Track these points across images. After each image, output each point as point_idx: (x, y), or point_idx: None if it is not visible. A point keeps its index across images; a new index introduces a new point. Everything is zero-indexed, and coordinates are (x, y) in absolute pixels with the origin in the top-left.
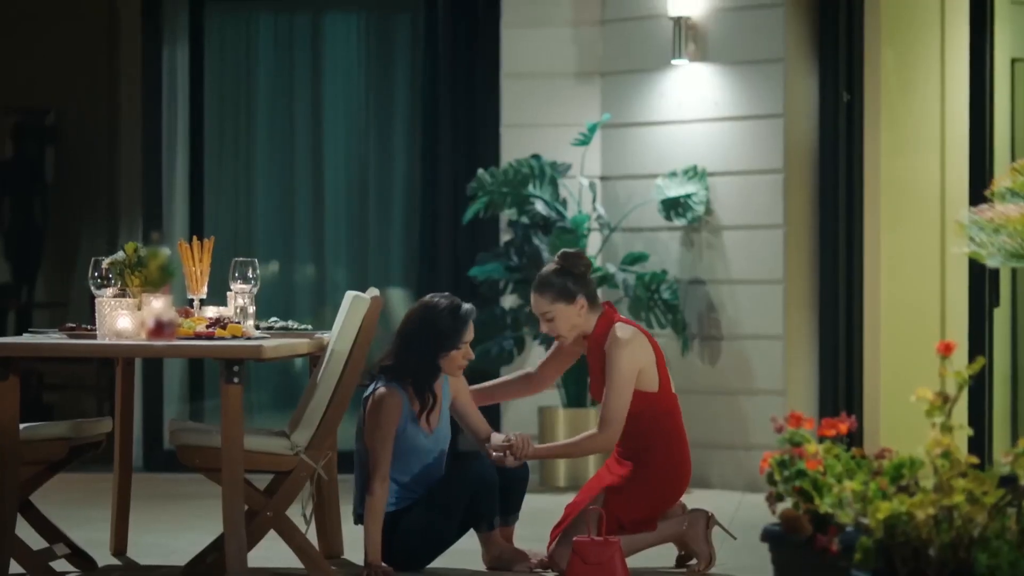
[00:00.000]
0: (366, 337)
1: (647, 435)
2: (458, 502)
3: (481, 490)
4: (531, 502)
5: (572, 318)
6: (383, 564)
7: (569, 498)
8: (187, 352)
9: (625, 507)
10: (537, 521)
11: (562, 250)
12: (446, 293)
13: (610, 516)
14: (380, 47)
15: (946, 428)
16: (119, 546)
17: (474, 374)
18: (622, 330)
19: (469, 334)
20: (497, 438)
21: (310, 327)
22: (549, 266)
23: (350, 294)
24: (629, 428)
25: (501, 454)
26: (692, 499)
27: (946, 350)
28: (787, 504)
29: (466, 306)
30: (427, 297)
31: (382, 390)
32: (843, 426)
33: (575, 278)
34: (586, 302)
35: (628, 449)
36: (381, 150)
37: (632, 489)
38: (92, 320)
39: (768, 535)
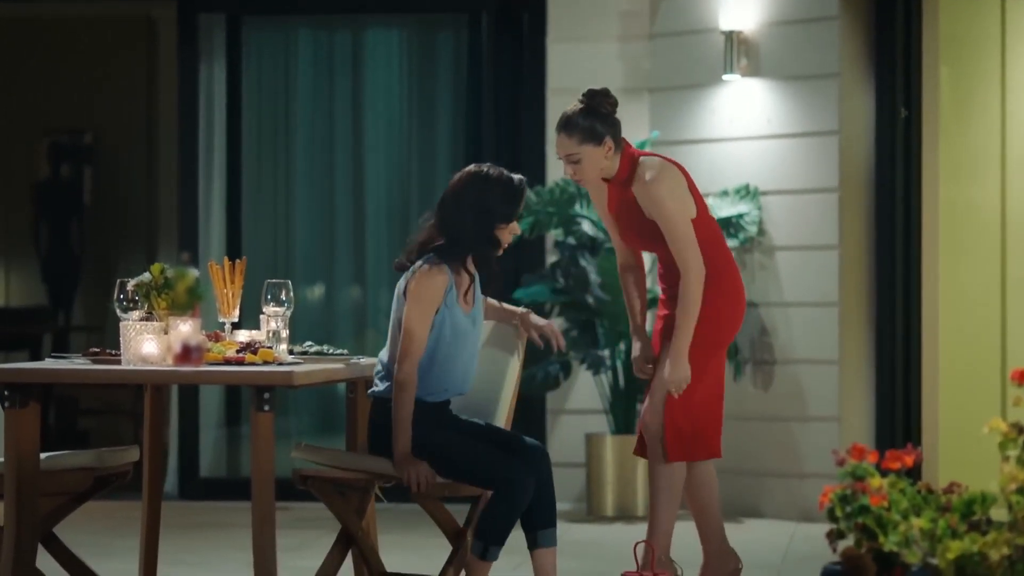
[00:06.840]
0: None
1: None
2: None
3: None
4: (579, 533)
5: (599, 161)
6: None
7: (617, 528)
8: (214, 378)
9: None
10: (587, 554)
11: (588, 88)
12: (488, 163)
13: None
14: (423, 64)
15: (1021, 462)
16: None
17: (520, 402)
18: (649, 165)
19: (522, 206)
20: (538, 319)
21: (346, 351)
22: (574, 106)
23: None
24: (672, 262)
25: (544, 336)
26: (744, 529)
27: (1021, 378)
28: (849, 542)
29: (517, 176)
30: (472, 167)
31: (427, 267)
32: (909, 458)
33: (602, 118)
34: (613, 144)
35: (674, 286)
36: (424, 169)
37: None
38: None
39: (829, 575)
